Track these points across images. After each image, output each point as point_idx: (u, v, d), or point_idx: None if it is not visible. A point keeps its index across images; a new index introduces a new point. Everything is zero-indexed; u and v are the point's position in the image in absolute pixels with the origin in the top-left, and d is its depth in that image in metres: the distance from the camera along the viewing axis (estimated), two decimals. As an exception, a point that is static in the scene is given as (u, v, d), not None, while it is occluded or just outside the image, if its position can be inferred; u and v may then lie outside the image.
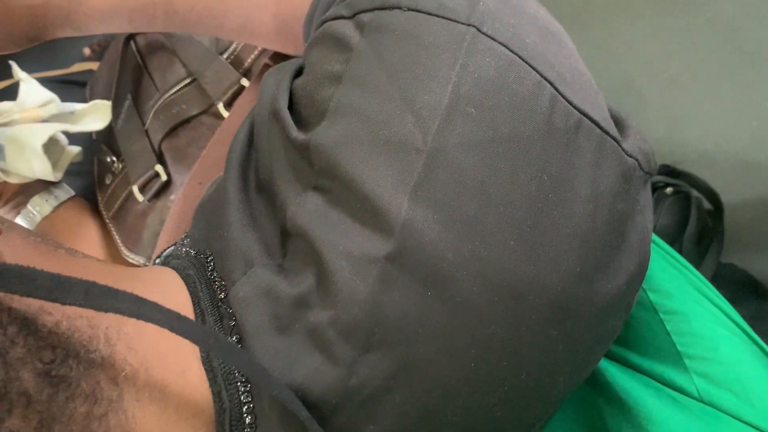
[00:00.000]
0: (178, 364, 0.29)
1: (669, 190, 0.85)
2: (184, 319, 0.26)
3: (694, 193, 0.85)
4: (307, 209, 0.30)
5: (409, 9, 0.30)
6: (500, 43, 0.29)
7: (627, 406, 0.41)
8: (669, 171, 0.89)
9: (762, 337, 0.75)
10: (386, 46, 0.30)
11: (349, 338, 0.28)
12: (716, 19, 0.92)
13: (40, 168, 0.57)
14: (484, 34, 0.29)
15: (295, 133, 0.31)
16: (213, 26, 0.45)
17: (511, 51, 0.29)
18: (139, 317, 0.24)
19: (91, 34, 0.46)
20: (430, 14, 0.30)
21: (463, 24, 0.29)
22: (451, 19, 0.29)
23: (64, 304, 0.23)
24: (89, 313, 0.27)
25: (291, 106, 0.33)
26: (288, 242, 0.32)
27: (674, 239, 0.82)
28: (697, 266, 0.81)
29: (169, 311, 0.26)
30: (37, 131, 0.56)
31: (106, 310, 0.24)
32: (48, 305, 0.25)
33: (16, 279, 0.22)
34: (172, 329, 0.25)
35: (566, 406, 0.44)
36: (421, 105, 0.28)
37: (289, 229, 0.31)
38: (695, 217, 0.82)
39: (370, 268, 0.27)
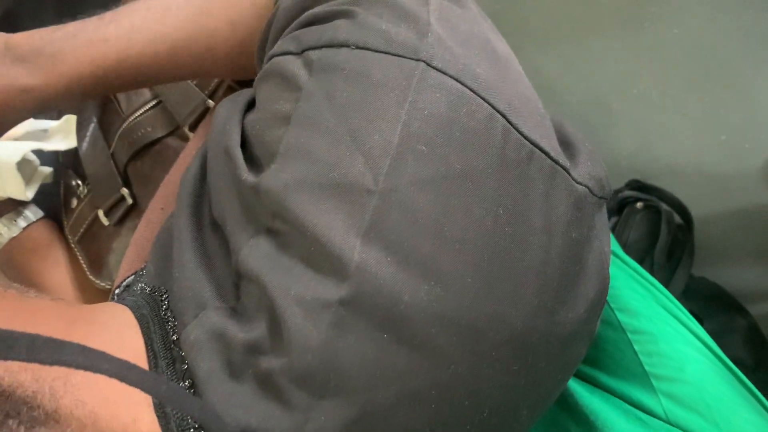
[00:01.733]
0: (128, 414, 0.28)
1: (639, 205, 0.86)
2: (134, 367, 0.25)
3: (665, 207, 0.86)
4: (260, 253, 0.29)
5: (357, 47, 0.30)
6: (450, 76, 0.29)
7: (595, 427, 0.41)
8: (639, 186, 0.90)
9: (733, 349, 0.76)
10: (335, 85, 0.29)
11: (303, 386, 0.27)
12: (684, 36, 0.94)
13: (14, 187, 0.56)
14: (433, 68, 0.29)
15: (245, 174, 0.31)
16: (168, 80, 0.45)
17: (462, 84, 0.29)
18: (86, 369, 0.23)
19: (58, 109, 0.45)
20: (378, 51, 0.29)
21: (413, 59, 0.29)
22: (399, 56, 0.29)
23: (6, 359, 0.22)
24: (34, 365, 0.26)
25: (243, 143, 0.33)
26: (241, 284, 0.31)
27: (645, 253, 0.83)
28: (669, 280, 0.82)
29: (118, 361, 0.25)
30: (12, 149, 0.55)
31: (51, 364, 0.23)
32: None
33: None
34: (122, 379, 0.24)
35: (535, 428, 0.44)
36: (371, 145, 0.28)
37: (242, 272, 0.30)
38: (666, 232, 0.83)
39: (323, 313, 0.26)
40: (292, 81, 0.31)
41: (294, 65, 0.31)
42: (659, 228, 0.83)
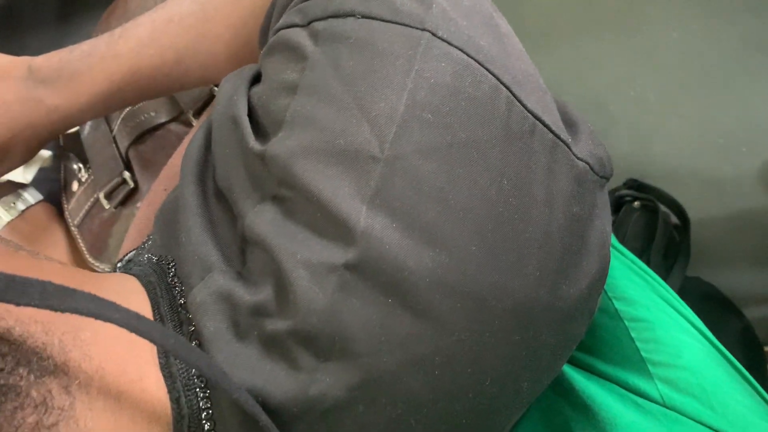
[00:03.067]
0: (135, 371, 0.28)
1: (636, 204, 0.86)
2: (144, 318, 0.25)
3: (661, 207, 0.87)
4: (266, 218, 0.30)
5: (363, 16, 0.30)
6: (456, 47, 0.29)
7: (592, 411, 0.41)
8: (636, 185, 0.90)
9: (726, 350, 0.76)
10: (341, 54, 0.30)
11: (308, 347, 0.27)
12: (682, 38, 0.95)
13: None
14: (439, 38, 0.29)
15: (253, 142, 0.31)
16: (177, 87, 0.47)
17: (467, 54, 0.29)
18: (97, 317, 0.24)
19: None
20: (384, 20, 0.30)
21: (418, 29, 0.29)
22: (405, 25, 0.29)
23: (18, 304, 0.22)
24: (45, 318, 0.26)
25: (249, 114, 0.33)
26: (247, 250, 0.32)
27: (641, 252, 0.83)
28: (664, 279, 0.82)
29: (128, 311, 0.25)
30: None
31: (63, 310, 0.23)
32: (1, 310, 0.25)
33: None
34: (131, 329, 0.25)
35: (532, 413, 0.44)
36: (377, 113, 0.28)
37: (248, 237, 0.31)
38: (662, 231, 0.83)
39: (329, 276, 0.27)
40: (298, 51, 0.31)
41: (300, 36, 0.32)
42: (656, 227, 0.83)
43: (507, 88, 0.29)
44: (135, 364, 0.28)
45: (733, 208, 0.93)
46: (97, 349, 0.27)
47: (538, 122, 0.29)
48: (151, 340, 0.25)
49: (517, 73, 0.30)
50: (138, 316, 0.25)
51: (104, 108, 0.46)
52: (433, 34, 0.29)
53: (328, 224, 0.27)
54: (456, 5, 0.31)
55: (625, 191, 0.89)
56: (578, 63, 1.02)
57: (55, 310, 0.22)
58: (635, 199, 0.87)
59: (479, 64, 0.29)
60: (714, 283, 0.90)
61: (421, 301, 0.27)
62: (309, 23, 0.32)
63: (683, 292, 0.84)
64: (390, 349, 0.27)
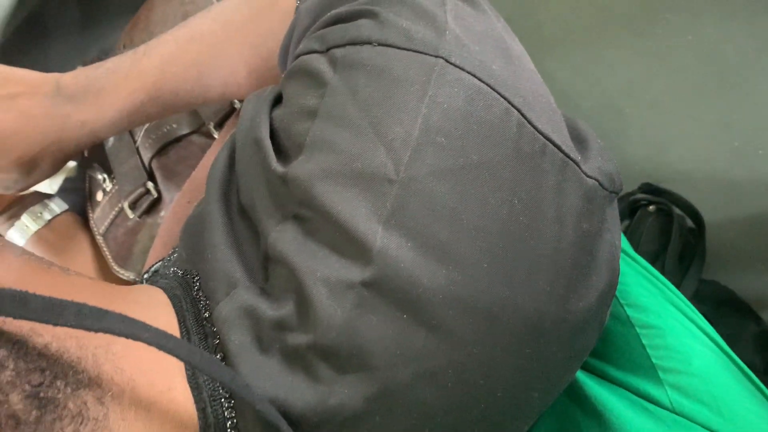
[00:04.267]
0: (164, 382, 0.30)
1: (651, 208, 0.86)
2: (171, 337, 0.27)
3: (677, 211, 0.87)
4: (287, 237, 0.31)
5: (380, 44, 0.31)
6: (468, 72, 0.30)
7: (603, 417, 0.42)
8: (651, 189, 0.90)
9: (743, 354, 0.76)
10: (358, 81, 0.31)
11: (327, 360, 0.28)
12: (697, 41, 0.94)
13: None
14: (452, 64, 0.30)
15: (275, 164, 0.32)
16: (198, 103, 0.48)
17: (479, 79, 0.30)
18: (128, 336, 0.25)
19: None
20: (399, 48, 0.31)
21: (432, 56, 0.30)
22: (419, 52, 0.30)
23: (56, 325, 0.23)
24: (79, 333, 0.27)
25: (271, 136, 0.34)
26: (269, 266, 0.33)
27: (657, 256, 0.83)
28: (679, 283, 0.82)
29: (156, 330, 0.26)
30: None
31: (96, 330, 0.24)
32: (38, 327, 0.26)
33: (10, 302, 0.22)
34: (159, 347, 0.26)
35: (545, 419, 0.45)
36: (393, 137, 0.29)
37: (270, 255, 0.32)
38: (677, 235, 0.83)
39: (347, 293, 0.28)
40: (317, 77, 0.32)
41: (319, 62, 0.33)
42: (671, 231, 0.83)
43: (518, 110, 0.30)
44: (163, 376, 0.30)
45: (749, 212, 0.93)
46: (128, 363, 0.28)
47: (548, 142, 0.30)
48: (179, 357, 0.26)
49: (528, 95, 0.31)
50: (166, 335, 0.26)
51: (128, 123, 0.47)
52: (447, 61, 0.30)
53: (346, 243, 0.29)
54: (468, 31, 0.32)
55: (640, 195, 0.89)
56: (593, 67, 1.02)
57: (90, 330, 0.24)
58: (650, 203, 0.87)
59: (491, 88, 0.30)
60: (731, 287, 0.90)
61: (434, 316, 0.28)
62: (328, 50, 0.33)
63: (699, 296, 0.84)
64: (405, 362, 0.28)
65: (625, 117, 1.01)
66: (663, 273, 0.81)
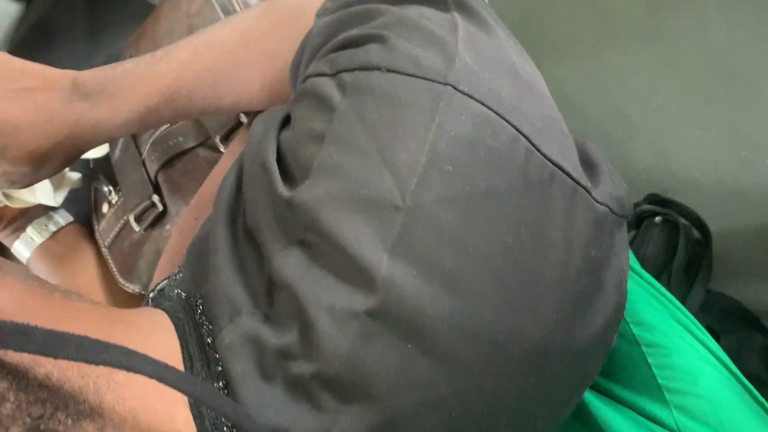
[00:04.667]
0: (166, 411, 0.29)
1: (657, 219, 0.86)
2: (172, 369, 0.27)
3: (683, 221, 0.86)
4: (292, 263, 0.31)
5: (389, 70, 0.31)
6: (476, 100, 0.30)
7: (608, 437, 0.42)
8: (658, 200, 0.90)
9: (750, 366, 0.76)
10: (367, 106, 0.31)
11: (331, 389, 0.28)
12: (704, 49, 0.94)
13: (43, 193, 0.58)
14: (460, 92, 0.30)
15: (281, 188, 0.32)
16: (211, 110, 0.48)
17: (487, 107, 0.30)
18: (128, 369, 0.25)
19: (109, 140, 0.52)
20: (408, 75, 0.31)
21: (440, 83, 0.30)
22: (428, 79, 0.30)
23: (56, 358, 0.23)
24: (80, 363, 0.27)
25: (278, 158, 0.34)
26: (273, 292, 0.33)
27: (663, 268, 0.83)
28: (686, 294, 0.82)
29: (157, 362, 0.26)
30: None
31: (97, 363, 0.24)
32: (40, 357, 0.26)
33: (11, 335, 0.22)
34: (160, 380, 0.26)
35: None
36: (400, 164, 0.29)
37: (275, 280, 0.32)
38: (684, 246, 0.83)
39: (351, 322, 0.28)
40: (326, 101, 0.32)
41: (328, 86, 0.33)
42: (677, 242, 0.83)
43: (526, 137, 0.30)
44: (165, 405, 0.29)
45: (756, 222, 0.92)
46: (129, 392, 0.28)
47: (558, 169, 0.30)
48: (180, 390, 0.26)
49: (537, 122, 0.31)
50: (167, 367, 0.26)
51: (140, 125, 0.47)
52: (455, 88, 0.30)
53: (351, 270, 0.28)
54: (479, 57, 0.32)
55: (646, 206, 0.88)
56: (600, 74, 1.02)
57: (90, 363, 0.24)
58: (656, 214, 0.87)
59: (499, 115, 0.30)
60: (738, 298, 0.89)
61: (439, 345, 0.27)
62: (336, 73, 0.33)
63: (706, 308, 0.84)
64: (409, 391, 0.28)
65: (632, 125, 1.01)
66: (669, 284, 0.81)
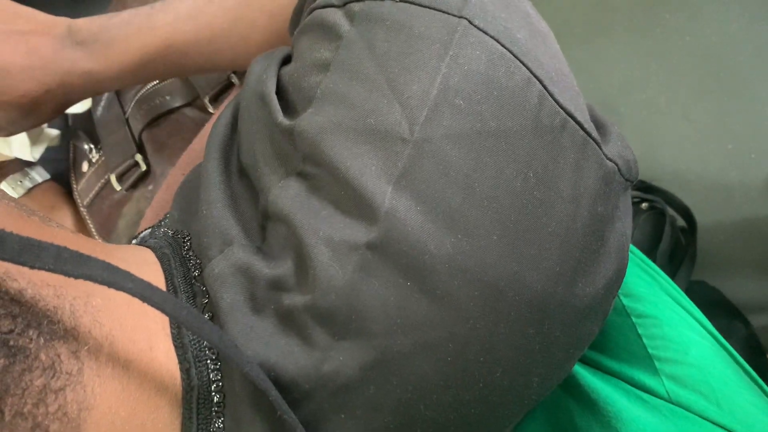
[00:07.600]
0: (146, 340, 0.28)
1: (644, 205, 0.86)
2: (157, 289, 0.25)
3: (669, 210, 0.87)
4: (290, 194, 0.30)
5: (401, 0, 0.30)
6: (491, 37, 0.29)
7: (597, 406, 0.41)
8: (645, 187, 0.90)
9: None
10: (377, 35, 0.30)
11: (324, 324, 0.27)
12: (695, 43, 0.95)
13: (19, 146, 0.56)
14: (475, 26, 0.29)
15: (281, 117, 0.31)
16: (207, 67, 0.47)
17: (502, 45, 0.29)
18: (110, 285, 0.23)
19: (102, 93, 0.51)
20: (421, 5, 0.30)
21: (455, 16, 0.29)
22: (442, 11, 0.29)
23: (32, 268, 0.21)
24: (57, 281, 0.26)
25: (278, 93, 0.33)
26: (268, 227, 0.32)
27: (648, 254, 0.83)
28: (670, 282, 0.82)
29: (141, 281, 0.25)
30: None
31: (76, 276, 0.23)
32: (14, 271, 0.24)
33: None
34: (143, 299, 0.24)
35: (537, 409, 0.44)
36: (409, 95, 0.28)
37: (270, 213, 0.31)
38: (669, 234, 0.83)
39: (350, 255, 0.27)
40: (332, 30, 0.31)
41: (336, 16, 0.32)
42: (663, 230, 0.83)
43: (540, 81, 0.29)
44: (145, 334, 0.28)
45: (740, 215, 0.93)
46: (107, 317, 0.27)
47: (570, 118, 0.29)
48: (163, 311, 0.25)
49: (551, 70, 0.30)
50: (151, 287, 0.25)
51: (133, 78, 0.46)
52: (470, 22, 0.29)
53: (353, 202, 0.28)
54: None
55: (633, 192, 0.89)
56: (590, 64, 1.02)
57: (69, 275, 0.22)
58: (643, 200, 0.87)
59: (513, 55, 0.29)
60: (718, 288, 0.90)
61: (439, 285, 0.27)
62: (345, 4, 0.32)
63: (688, 295, 0.84)
64: (405, 331, 0.27)
65: (620, 116, 1.02)
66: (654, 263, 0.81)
